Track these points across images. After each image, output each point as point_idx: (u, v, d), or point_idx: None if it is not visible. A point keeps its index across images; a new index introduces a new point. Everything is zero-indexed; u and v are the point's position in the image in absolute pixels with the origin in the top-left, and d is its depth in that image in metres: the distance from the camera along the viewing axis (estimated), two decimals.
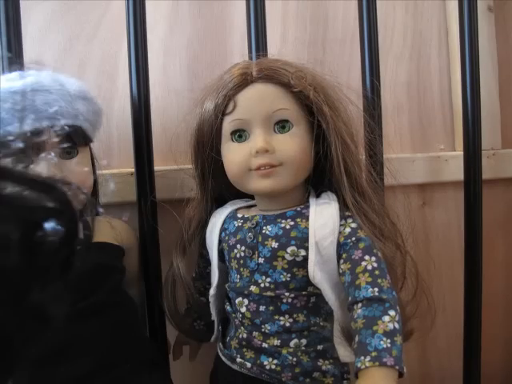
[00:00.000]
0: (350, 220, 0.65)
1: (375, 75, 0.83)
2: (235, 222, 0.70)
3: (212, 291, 0.72)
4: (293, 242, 0.64)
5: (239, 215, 0.70)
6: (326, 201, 0.67)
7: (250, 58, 0.79)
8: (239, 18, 0.89)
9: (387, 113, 0.96)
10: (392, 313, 0.57)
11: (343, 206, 0.66)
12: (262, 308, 0.66)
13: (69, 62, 0.85)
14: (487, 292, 0.92)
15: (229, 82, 0.66)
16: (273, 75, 0.65)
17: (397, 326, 0.56)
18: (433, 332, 1.04)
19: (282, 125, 0.65)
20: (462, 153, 0.90)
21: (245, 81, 0.65)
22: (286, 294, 0.65)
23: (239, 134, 0.66)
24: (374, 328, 0.55)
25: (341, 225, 0.64)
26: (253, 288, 0.66)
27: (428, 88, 1.02)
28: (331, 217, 0.64)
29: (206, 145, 0.69)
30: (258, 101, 0.65)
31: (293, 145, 0.64)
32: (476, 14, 0.87)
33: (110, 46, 0.86)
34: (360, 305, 0.58)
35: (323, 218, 0.65)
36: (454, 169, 0.96)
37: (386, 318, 0.56)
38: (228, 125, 0.66)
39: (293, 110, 0.65)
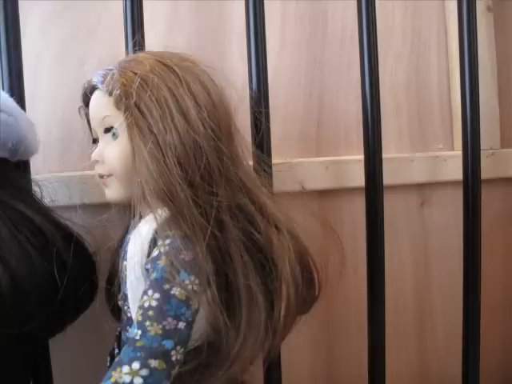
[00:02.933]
0: (167, 241, 0.55)
1: (374, 75, 0.83)
2: None
3: None
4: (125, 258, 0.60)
5: None
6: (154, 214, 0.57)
7: (249, 58, 0.79)
8: (238, 18, 0.89)
9: (386, 112, 0.96)
10: (136, 365, 0.50)
11: (175, 222, 0.56)
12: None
13: (67, 61, 0.85)
14: (486, 291, 0.92)
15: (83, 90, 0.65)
16: (99, 80, 0.61)
17: (136, 381, 0.50)
18: (432, 332, 1.04)
19: (112, 132, 0.60)
20: (460, 152, 0.90)
21: (88, 89, 0.64)
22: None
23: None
24: (112, 373, 0.51)
25: (158, 245, 0.55)
26: None
27: (427, 88, 1.02)
28: (140, 235, 0.57)
29: None
30: (93, 109, 0.63)
31: (115, 154, 0.60)
32: (475, 14, 0.87)
33: (108, 46, 0.86)
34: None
35: (137, 234, 0.58)
36: (453, 168, 0.96)
37: (126, 369, 0.50)
38: None
39: (117, 116, 0.59)
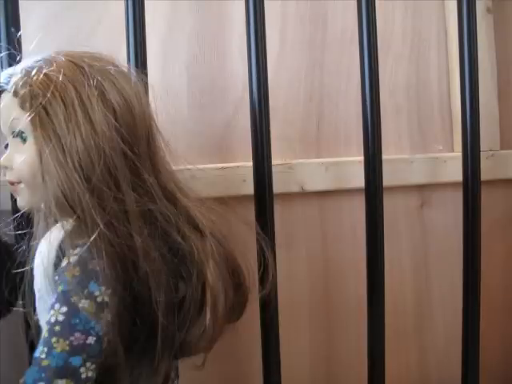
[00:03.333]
0: (77, 250, 0.51)
1: (374, 76, 0.83)
2: None
3: None
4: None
5: None
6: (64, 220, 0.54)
7: (249, 58, 0.79)
8: (238, 18, 0.89)
9: (386, 113, 0.96)
10: None
11: (82, 231, 0.53)
12: None
13: None
14: (486, 292, 0.92)
15: None
16: (5, 81, 0.58)
17: None
18: (432, 333, 1.04)
19: (21, 136, 0.57)
20: (460, 154, 0.90)
21: None
22: None
23: None
24: None
25: (67, 255, 0.52)
26: None
27: (427, 89, 1.02)
28: (48, 243, 0.54)
29: None
30: (2, 111, 0.58)
31: (22, 159, 0.56)
32: (475, 15, 0.87)
33: (109, 46, 0.86)
34: None
35: (45, 242, 0.55)
36: (453, 170, 0.96)
37: None
38: None
39: (24, 118, 0.55)
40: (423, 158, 0.99)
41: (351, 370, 0.98)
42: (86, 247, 0.51)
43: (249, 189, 0.82)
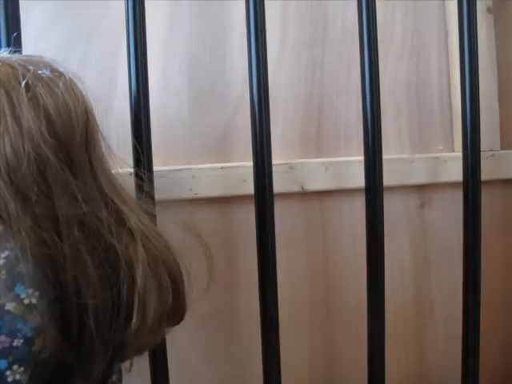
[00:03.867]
0: (4, 254, 0.51)
1: (374, 75, 0.83)
2: None
3: None
4: None
5: None
6: None
7: (249, 58, 0.79)
8: (238, 18, 0.89)
9: (386, 113, 0.96)
10: None
11: (9, 235, 0.53)
12: None
13: (68, 62, 0.85)
14: (486, 293, 0.92)
15: None
16: None
17: None
18: (432, 334, 1.04)
19: None
20: (460, 154, 0.90)
21: None
22: None
23: None
24: None
25: None
26: None
27: (427, 88, 1.02)
28: None
29: None
30: None
31: None
32: (475, 14, 0.87)
33: (109, 46, 0.86)
34: None
35: None
36: (453, 170, 0.96)
37: None
38: None
39: None
40: (423, 157, 0.99)
41: (351, 370, 0.98)
42: (13, 251, 0.51)
43: (249, 189, 0.82)
